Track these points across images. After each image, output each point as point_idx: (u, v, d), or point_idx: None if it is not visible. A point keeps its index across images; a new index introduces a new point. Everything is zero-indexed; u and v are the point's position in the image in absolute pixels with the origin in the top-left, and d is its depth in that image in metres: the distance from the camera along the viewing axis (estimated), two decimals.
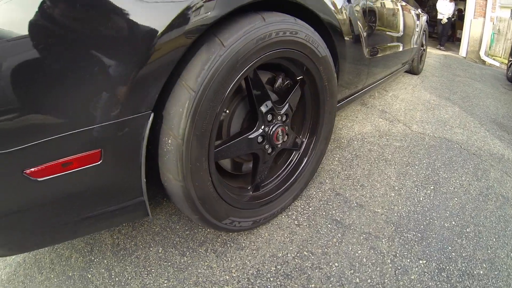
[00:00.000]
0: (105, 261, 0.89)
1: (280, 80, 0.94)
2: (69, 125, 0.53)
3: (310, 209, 1.09)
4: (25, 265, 0.90)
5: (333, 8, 0.98)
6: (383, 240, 0.96)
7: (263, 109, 0.85)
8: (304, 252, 0.92)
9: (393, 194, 1.15)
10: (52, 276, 0.86)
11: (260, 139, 0.88)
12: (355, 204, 1.10)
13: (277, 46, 0.76)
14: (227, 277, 0.85)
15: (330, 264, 0.88)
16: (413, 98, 2.24)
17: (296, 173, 1.09)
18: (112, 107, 0.56)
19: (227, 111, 0.84)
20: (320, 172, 1.30)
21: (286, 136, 0.96)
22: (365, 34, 1.28)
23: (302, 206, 1.11)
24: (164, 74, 0.59)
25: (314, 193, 1.17)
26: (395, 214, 1.06)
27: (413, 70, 2.82)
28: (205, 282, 0.83)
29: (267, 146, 0.91)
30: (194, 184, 0.71)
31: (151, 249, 0.93)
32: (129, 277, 0.84)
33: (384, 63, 1.73)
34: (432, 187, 1.20)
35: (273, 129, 0.89)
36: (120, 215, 0.68)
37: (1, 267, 0.91)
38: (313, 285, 0.82)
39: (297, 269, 0.87)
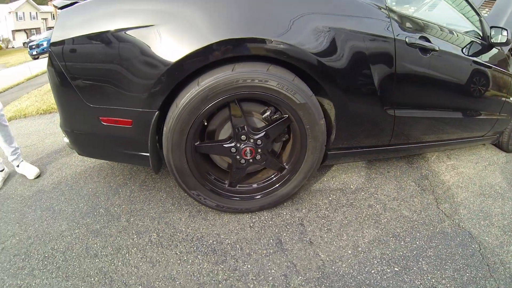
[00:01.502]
0: (133, 194, 1.63)
1: (268, 113, 1.30)
2: (122, 104, 1.20)
3: (270, 222, 1.40)
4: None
5: (323, 60, 1.18)
6: (300, 278, 1.14)
7: (238, 130, 1.27)
8: (237, 245, 1.29)
9: (349, 252, 1.24)
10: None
11: (233, 150, 1.31)
12: (307, 240, 1.30)
13: (246, 89, 1.14)
14: (183, 229, 1.38)
15: (246, 263, 1.21)
16: (474, 177, 1.77)
17: (269, 189, 1.42)
18: (140, 102, 1.18)
19: (206, 123, 1.31)
20: (304, 201, 1.52)
21: (258, 156, 1.32)
22: (386, 87, 1.33)
23: (266, 216, 1.43)
24: (165, 93, 1.15)
25: (284, 213, 1.45)
26: (332, 268, 1.17)
27: (502, 145, 2.12)
28: (172, 225, 1.40)
29: (238, 157, 1.32)
30: (173, 158, 1.25)
31: (162, 194, 1.59)
32: (148, 206, 1.53)
33: (429, 126, 1.61)
34: (397, 269, 1.17)
35: (243, 147, 1.29)
36: (135, 158, 1.33)
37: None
38: (221, 267, 1.21)
39: (221, 251, 1.26)
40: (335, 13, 1.24)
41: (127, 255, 1.28)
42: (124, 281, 1.15)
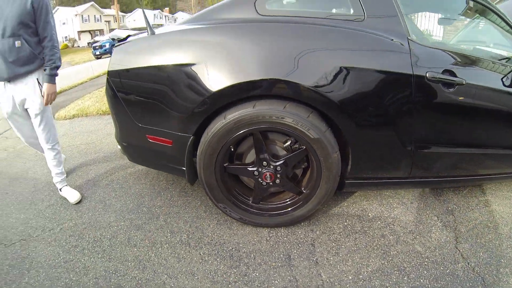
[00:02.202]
0: (172, 198, 1.96)
1: (288, 143, 1.50)
2: (165, 127, 1.52)
3: (285, 238, 1.61)
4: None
5: (335, 99, 1.33)
6: None
7: (260, 156, 1.50)
8: (252, 255, 1.52)
9: (350, 278, 1.37)
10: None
11: (256, 173, 1.54)
12: (314, 259, 1.48)
13: (265, 124, 1.36)
14: (209, 234, 1.67)
15: (255, 271, 1.44)
16: (508, 217, 1.66)
17: (287, 209, 1.63)
18: (179, 128, 1.49)
19: (233, 149, 1.57)
20: (320, 223, 1.69)
21: (277, 180, 1.54)
22: (403, 124, 1.42)
23: (282, 232, 1.64)
24: (198, 122, 1.44)
25: (299, 232, 1.64)
26: None
27: None
28: (201, 229, 1.70)
29: (259, 180, 1.55)
30: (205, 175, 1.54)
31: (197, 201, 1.90)
32: (184, 210, 1.86)
33: (458, 161, 1.61)
34: None
35: (264, 171, 1.52)
36: (174, 170, 1.66)
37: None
38: (234, 270, 1.46)
39: (237, 257, 1.51)
40: (349, 49, 1.39)
41: (160, 249, 1.62)
42: (154, 270, 1.48)
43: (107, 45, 20.21)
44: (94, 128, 4.08)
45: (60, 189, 2.29)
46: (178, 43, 1.51)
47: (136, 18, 58.63)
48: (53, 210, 2.15)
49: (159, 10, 66.46)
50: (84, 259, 1.61)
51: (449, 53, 1.52)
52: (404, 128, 1.45)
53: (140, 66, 1.54)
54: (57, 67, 2.02)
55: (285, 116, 1.35)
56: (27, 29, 1.94)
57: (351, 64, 1.36)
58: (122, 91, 1.64)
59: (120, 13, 43.15)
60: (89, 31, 42.09)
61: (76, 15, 40.48)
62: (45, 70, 2.00)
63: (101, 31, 43.40)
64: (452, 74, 1.42)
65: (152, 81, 1.52)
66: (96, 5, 44.78)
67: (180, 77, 1.44)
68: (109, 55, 19.63)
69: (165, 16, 67.37)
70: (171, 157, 1.63)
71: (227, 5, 1.61)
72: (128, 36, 1.77)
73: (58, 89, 2.34)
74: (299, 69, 1.34)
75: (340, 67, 1.35)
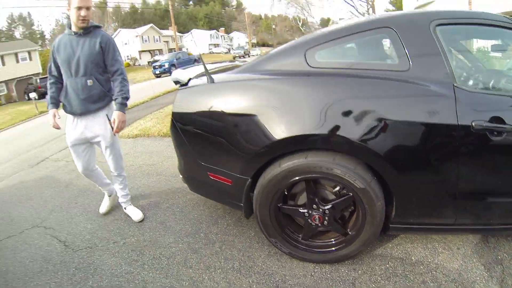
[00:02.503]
0: (228, 227, 2.24)
1: (337, 189, 1.71)
2: (225, 168, 1.82)
3: (328, 275, 1.78)
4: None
5: (378, 151, 1.47)
6: None
7: (310, 200, 1.72)
8: (291, 287, 1.73)
9: None
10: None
11: (306, 214, 1.76)
12: None
13: (316, 173, 1.58)
14: (260, 264, 1.90)
15: None
16: None
17: (332, 248, 1.80)
18: (238, 170, 1.77)
19: (286, 192, 1.79)
20: (364, 262, 1.83)
21: (325, 222, 1.73)
22: (447, 174, 1.49)
23: (327, 269, 1.82)
24: (256, 167, 1.71)
25: (342, 269, 1.80)
26: None
27: None
28: (252, 259, 1.94)
29: (309, 221, 1.76)
30: (259, 213, 1.79)
31: (251, 232, 2.16)
32: (238, 239, 2.14)
33: (504, 210, 1.61)
34: None
35: (313, 213, 1.73)
36: (232, 204, 1.94)
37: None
38: None
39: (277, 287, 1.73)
40: (393, 102, 1.50)
41: (213, 273, 1.88)
42: None
43: (166, 65, 22.26)
44: (155, 149, 4.56)
45: (125, 208, 2.63)
46: (235, 93, 1.77)
47: (192, 38, 62.13)
48: (117, 225, 2.55)
49: (215, 30, 69.80)
50: (143, 273, 1.92)
51: (497, 96, 1.55)
52: (448, 177, 1.53)
53: (202, 111, 1.84)
54: (127, 98, 2.25)
55: (334, 167, 1.56)
56: (98, 68, 2.20)
57: (395, 117, 1.49)
58: (185, 132, 1.96)
59: (178, 34, 46.58)
60: (149, 51, 46.43)
61: (136, 36, 45.05)
62: (115, 99, 2.25)
63: (160, 51, 47.65)
64: (501, 120, 1.43)
65: (213, 126, 1.81)
66: (155, 27, 49.46)
67: (239, 125, 1.72)
68: (168, 74, 21.37)
69: (221, 36, 70.50)
70: (230, 194, 1.91)
71: (278, 57, 1.81)
72: (190, 79, 2.04)
73: None
74: (347, 124, 1.52)
75: (384, 121, 1.48)
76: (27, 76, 28.20)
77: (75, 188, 3.48)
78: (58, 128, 2.28)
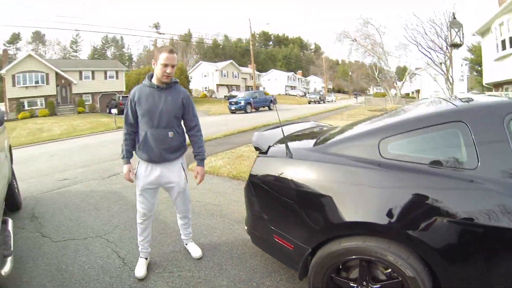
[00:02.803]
0: (281, 281, 2.48)
1: (389, 270, 1.85)
2: (290, 235, 2.12)
3: None
4: None
5: (433, 246, 1.56)
6: None
7: (362, 277, 1.88)
8: None
9: None
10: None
11: None
12: None
13: (371, 256, 1.76)
14: None
15: None
16: None
17: None
18: (302, 240, 2.05)
19: (340, 266, 1.97)
20: None
21: None
22: (503, 270, 1.49)
23: None
24: (318, 241, 1.97)
25: None
26: None
27: None
28: None
29: None
30: (313, 279, 2.01)
31: None
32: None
33: None
34: None
35: None
36: (289, 263, 2.21)
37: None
38: None
39: None
40: (453, 202, 1.56)
41: None
42: None
43: (242, 103, 23.17)
44: (222, 190, 4.82)
45: (186, 243, 2.85)
46: (310, 172, 2.02)
47: (270, 78, 66.08)
48: (176, 257, 2.79)
49: (293, 73, 72.00)
50: None
51: None
52: (499, 274, 1.54)
53: (277, 180, 2.12)
54: (205, 152, 2.53)
55: (388, 254, 1.73)
56: (178, 121, 2.40)
57: (455, 215, 1.57)
58: (259, 195, 2.25)
59: (256, 72, 50.09)
60: (227, 85, 50.45)
61: (216, 70, 49.40)
62: (197, 155, 2.50)
63: (238, 87, 51.67)
64: None
65: (287, 196, 2.09)
66: (235, 63, 54.14)
67: (310, 201, 1.93)
68: (243, 111, 22.73)
69: (298, 78, 72.40)
70: (289, 256, 2.17)
71: (353, 141, 1.98)
72: (269, 147, 2.33)
73: None
74: (407, 216, 1.68)
75: (444, 217, 1.57)
76: (111, 92, 33.04)
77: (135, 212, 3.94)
78: (132, 181, 2.45)
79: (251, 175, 2.31)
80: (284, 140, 2.23)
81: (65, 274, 2.60)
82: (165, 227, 3.40)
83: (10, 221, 2.69)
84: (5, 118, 23.47)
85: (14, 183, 4.25)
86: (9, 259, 2.03)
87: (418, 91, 42.34)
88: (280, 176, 2.14)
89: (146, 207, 2.52)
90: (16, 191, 4.32)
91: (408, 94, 44.82)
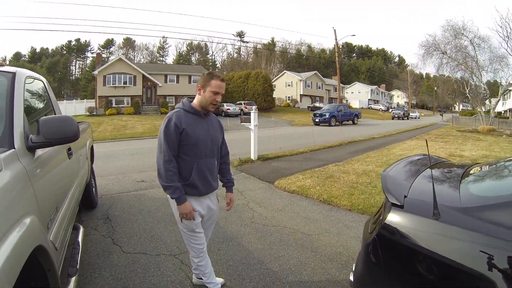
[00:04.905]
0: None
1: None
2: None
3: None
4: None
5: None
6: None
7: None
8: None
9: None
10: None
11: None
12: None
13: None
14: None
15: None
16: None
17: None
18: None
19: None
20: None
21: None
22: None
23: None
24: None
25: None
26: None
27: None
28: None
29: None
30: None
31: None
32: None
33: None
34: None
35: None
36: None
37: None
38: None
39: None
40: None
41: None
42: None
43: (327, 115, 23.75)
44: (313, 216, 4.29)
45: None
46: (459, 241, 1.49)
47: (353, 90, 67.56)
48: None
49: (377, 86, 72.56)
50: None
51: None
52: None
53: (416, 246, 1.62)
54: None
55: None
56: (218, 149, 2.41)
57: None
58: (385, 254, 1.80)
59: (340, 84, 49.62)
60: (310, 96, 51.80)
61: (300, 80, 51.06)
62: (227, 183, 2.50)
63: (321, 98, 52.81)
64: None
65: (423, 264, 1.58)
66: (319, 74, 55.29)
67: (451, 274, 1.47)
68: (327, 124, 23.19)
69: (381, 92, 72.92)
70: None
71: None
72: (405, 197, 1.83)
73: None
74: None
75: None
76: (194, 95, 37.03)
77: (219, 235, 3.65)
78: (194, 219, 2.22)
79: (384, 225, 1.84)
80: (434, 195, 1.69)
81: None
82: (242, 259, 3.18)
83: (81, 230, 2.58)
84: (94, 113, 27.85)
85: (92, 182, 4.40)
86: (73, 279, 1.79)
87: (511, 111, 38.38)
88: (423, 240, 1.64)
89: (203, 241, 2.39)
90: (93, 189, 4.48)
91: (501, 113, 38.69)
